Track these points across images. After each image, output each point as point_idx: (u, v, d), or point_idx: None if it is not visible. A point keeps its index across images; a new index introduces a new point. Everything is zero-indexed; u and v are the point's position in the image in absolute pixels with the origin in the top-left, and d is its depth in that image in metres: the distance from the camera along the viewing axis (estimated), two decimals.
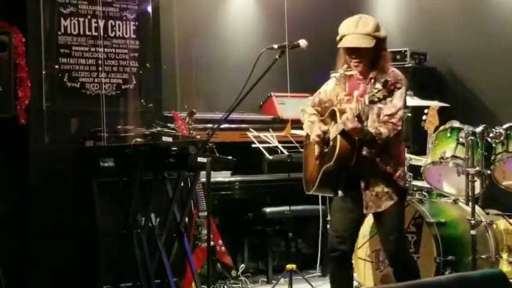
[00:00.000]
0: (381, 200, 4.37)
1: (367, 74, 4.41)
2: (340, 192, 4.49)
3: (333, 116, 4.42)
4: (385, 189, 4.37)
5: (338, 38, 4.43)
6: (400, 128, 4.34)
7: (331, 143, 4.37)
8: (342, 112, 4.33)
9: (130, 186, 5.06)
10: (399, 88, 4.14)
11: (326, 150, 4.43)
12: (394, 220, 4.41)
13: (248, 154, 6.10)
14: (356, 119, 4.18)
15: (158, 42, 6.08)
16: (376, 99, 4.04)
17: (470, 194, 5.16)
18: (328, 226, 5.96)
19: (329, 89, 4.58)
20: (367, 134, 4.25)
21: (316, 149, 4.50)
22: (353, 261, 5.50)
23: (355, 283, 5.52)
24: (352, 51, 4.37)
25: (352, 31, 4.36)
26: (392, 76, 4.33)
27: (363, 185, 4.38)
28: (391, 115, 4.29)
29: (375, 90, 4.04)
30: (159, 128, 5.54)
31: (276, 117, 6.78)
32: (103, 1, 5.74)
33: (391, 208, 4.38)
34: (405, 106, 4.43)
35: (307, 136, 4.61)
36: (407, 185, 4.49)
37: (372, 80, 4.37)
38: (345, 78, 4.50)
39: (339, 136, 4.29)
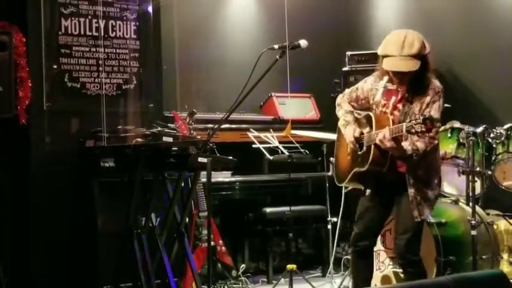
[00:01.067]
0: (422, 207, 4.42)
1: (406, 84, 4.43)
2: (368, 191, 4.57)
3: (368, 120, 4.46)
4: (424, 196, 4.42)
5: (380, 52, 4.39)
6: (436, 141, 4.39)
7: (364, 148, 4.42)
8: (379, 119, 4.37)
9: (131, 186, 5.05)
10: (437, 127, 4.19)
11: (360, 152, 4.47)
12: (415, 222, 4.46)
13: (248, 154, 6.10)
14: (393, 140, 4.20)
15: (159, 43, 6.08)
16: (414, 132, 4.08)
17: (470, 194, 5.16)
18: (328, 224, 5.98)
19: (366, 87, 4.60)
20: (404, 151, 4.28)
21: (349, 147, 4.57)
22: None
23: None
24: (395, 72, 4.37)
25: (398, 53, 4.31)
26: (431, 88, 4.36)
27: (411, 192, 4.40)
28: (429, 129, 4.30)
29: (414, 122, 4.06)
30: (159, 128, 5.53)
31: (276, 117, 6.78)
32: (103, 1, 5.74)
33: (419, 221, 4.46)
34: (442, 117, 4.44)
35: (340, 130, 4.68)
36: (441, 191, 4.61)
37: (411, 93, 4.39)
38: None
39: (373, 145, 4.33)
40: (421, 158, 4.36)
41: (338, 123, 4.70)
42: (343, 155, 4.65)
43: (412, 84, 4.40)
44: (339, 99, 4.73)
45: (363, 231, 4.57)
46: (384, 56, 4.38)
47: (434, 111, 4.29)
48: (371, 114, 4.47)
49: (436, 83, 4.43)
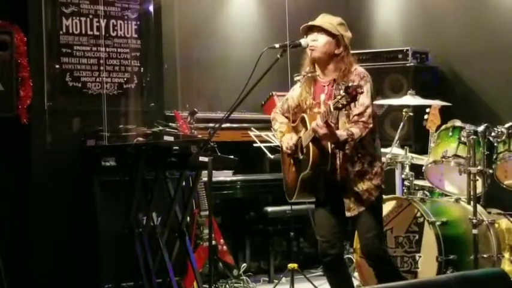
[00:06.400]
0: (361, 199, 4.37)
1: (330, 76, 4.42)
2: (321, 197, 4.49)
3: (303, 123, 4.42)
4: (364, 187, 4.37)
5: (302, 30, 4.49)
6: (371, 125, 4.31)
7: (304, 151, 4.37)
8: (312, 118, 4.33)
9: (132, 185, 5.06)
10: (361, 93, 4.08)
11: (301, 157, 4.43)
12: (372, 217, 4.42)
13: (250, 153, 6.10)
14: (325, 125, 4.14)
15: (160, 42, 6.08)
16: (341, 106, 4.02)
17: (472, 193, 5.16)
18: None
19: (296, 94, 4.58)
20: (339, 137, 4.22)
21: (291, 158, 4.52)
22: (353, 259, 5.54)
23: (356, 282, 5.52)
24: (312, 32, 4.43)
25: (318, 19, 4.48)
26: (355, 74, 4.34)
27: (341, 188, 4.38)
28: (360, 114, 4.27)
29: (339, 97, 4.02)
30: (160, 127, 5.54)
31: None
32: (105, 0, 5.74)
33: (371, 206, 4.39)
34: (373, 102, 4.41)
35: (282, 148, 4.62)
36: (383, 180, 4.50)
37: (335, 83, 4.35)
38: (310, 83, 4.50)
39: (311, 144, 4.29)
40: (358, 148, 4.33)
41: (276, 136, 4.67)
42: (288, 169, 4.58)
43: (334, 72, 4.40)
44: (272, 113, 4.73)
45: (328, 238, 4.47)
46: (306, 31, 4.48)
47: (363, 97, 4.22)
48: (305, 115, 4.43)
49: (360, 69, 4.42)
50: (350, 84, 4.01)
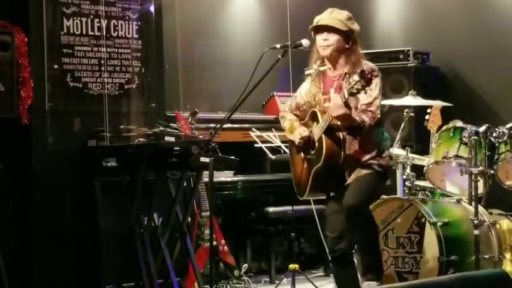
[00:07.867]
0: (360, 174, 4.43)
1: (340, 70, 4.45)
2: (331, 193, 4.52)
3: (314, 118, 4.43)
4: (368, 167, 4.43)
5: (311, 28, 4.52)
6: (379, 115, 4.39)
7: (316, 145, 4.37)
8: (323, 112, 4.34)
9: (133, 186, 5.05)
10: (376, 76, 4.17)
11: (313, 152, 4.43)
12: (364, 185, 4.42)
13: (251, 154, 6.09)
14: (345, 105, 4.18)
15: (161, 42, 6.07)
16: (355, 91, 4.07)
17: (473, 193, 5.15)
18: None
19: (304, 91, 4.60)
20: (354, 120, 4.27)
21: (302, 154, 4.52)
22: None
23: None
24: (322, 31, 4.45)
25: (327, 16, 4.51)
26: (366, 68, 4.34)
27: (347, 175, 4.43)
28: (369, 104, 4.34)
29: (353, 82, 4.06)
30: (161, 128, 5.53)
31: (278, 116, 6.77)
32: (105, 1, 5.74)
33: (365, 175, 4.43)
34: (381, 97, 4.48)
35: (292, 143, 4.63)
36: (391, 166, 4.61)
37: (347, 76, 4.39)
38: (319, 78, 4.52)
39: (323, 135, 4.29)
40: (365, 141, 4.40)
41: (286, 133, 4.70)
42: (299, 166, 4.59)
43: (342, 63, 4.44)
44: (282, 112, 4.78)
45: (337, 234, 4.50)
46: (315, 27, 4.49)
47: (372, 89, 4.28)
48: (315, 109, 4.46)
49: (370, 64, 4.48)
50: (365, 69, 4.07)
